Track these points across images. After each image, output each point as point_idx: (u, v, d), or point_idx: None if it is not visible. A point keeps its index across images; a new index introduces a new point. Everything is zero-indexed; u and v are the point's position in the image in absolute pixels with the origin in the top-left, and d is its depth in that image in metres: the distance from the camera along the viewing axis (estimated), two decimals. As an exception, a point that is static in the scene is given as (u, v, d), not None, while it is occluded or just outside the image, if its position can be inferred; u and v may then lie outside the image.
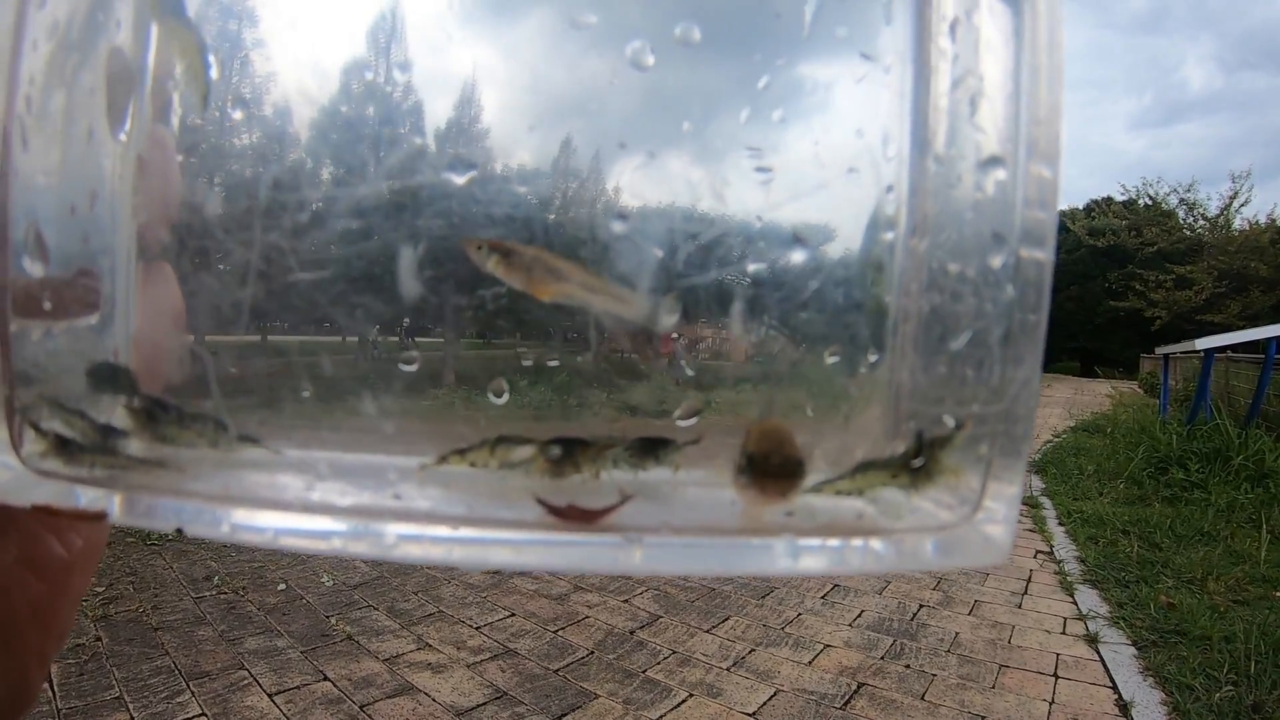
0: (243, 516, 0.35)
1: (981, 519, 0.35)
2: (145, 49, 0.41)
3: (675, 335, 0.40)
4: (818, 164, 0.39)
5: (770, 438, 0.38)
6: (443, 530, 0.34)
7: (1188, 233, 46.43)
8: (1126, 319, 44.94)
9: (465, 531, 0.34)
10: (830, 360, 0.40)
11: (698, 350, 0.41)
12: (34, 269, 0.37)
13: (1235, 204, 45.28)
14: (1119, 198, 51.03)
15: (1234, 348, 12.33)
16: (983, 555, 0.35)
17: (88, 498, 0.36)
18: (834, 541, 0.35)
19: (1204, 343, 11.72)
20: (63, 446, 0.37)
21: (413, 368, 0.39)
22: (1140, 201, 49.15)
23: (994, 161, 0.35)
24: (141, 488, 0.37)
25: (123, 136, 0.40)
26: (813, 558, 0.34)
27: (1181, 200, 48.17)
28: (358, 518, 0.35)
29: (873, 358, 0.40)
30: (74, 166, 0.39)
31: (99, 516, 0.36)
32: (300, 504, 0.37)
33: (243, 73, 0.40)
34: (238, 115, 0.40)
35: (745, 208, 0.38)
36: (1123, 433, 11.53)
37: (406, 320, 0.38)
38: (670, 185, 0.38)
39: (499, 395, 0.39)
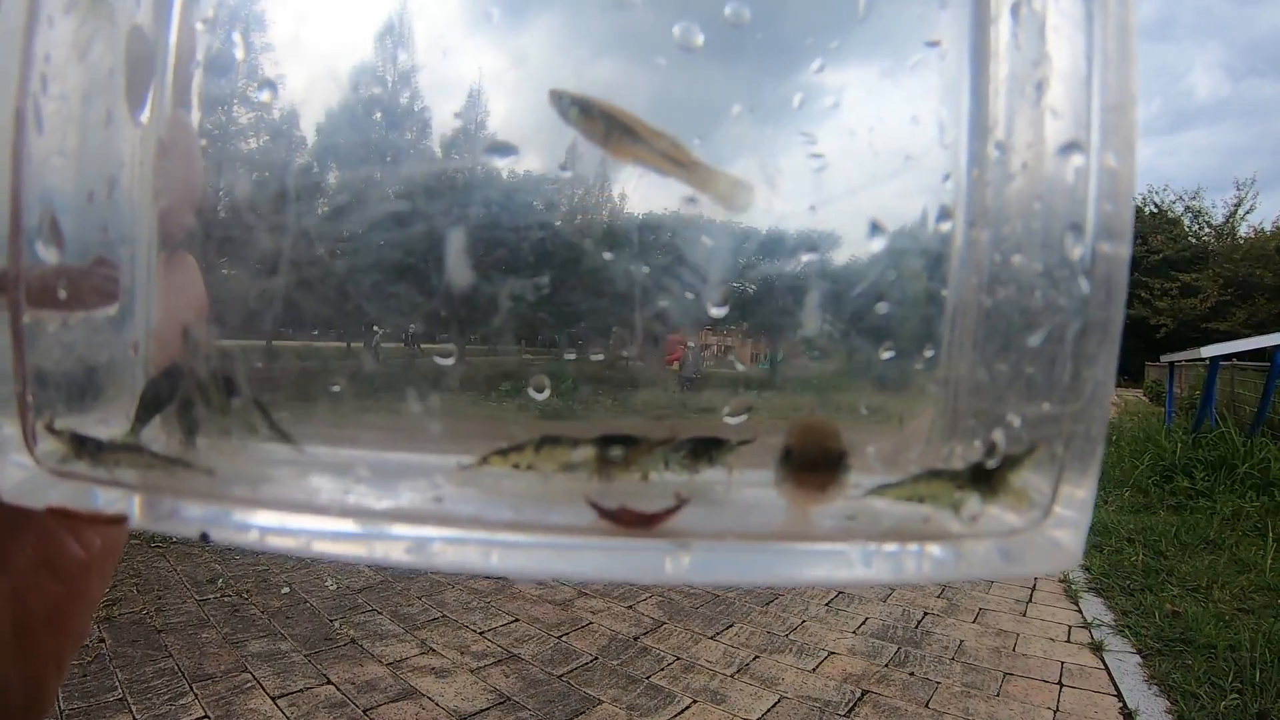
0: (273, 520, 0.34)
1: (1051, 524, 0.34)
2: (167, 28, 0.39)
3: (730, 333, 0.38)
4: (872, 152, 0.37)
5: (811, 431, 0.37)
6: (486, 535, 0.32)
7: (1193, 240, 46.59)
8: (1131, 327, 44.92)
9: (510, 537, 0.32)
10: (886, 358, 0.38)
11: (749, 347, 0.39)
12: (49, 257, 0.35)
13: (1241, 211, 45.50)
14: (1124, 205, 51.03)
15: (1239, 355, 12.33)
16: (1051, 562, 0.34)
17: (106, 499, 0.34)
18: (896, 548, 0.33)
19: (1209, 350, 11.72)
20: (80, 445, 0.35)
21: (449, 361, 0.37)
22: (1146, 209, 49.21)
23: (1067, 149, 0.33)
24: (165, 489, 0.36)
25: (143, 120, 0.39)
26: (877, 564, 0.33)
27: (1187, 208, 48.37)
28: (397, 522, 0.33)
29: (930, 354, 0.39)
30: (92, 151, 0.37)
31: (118, 520, 0.34)
32: (336, 507, 0.35)
33: (269, 55, 0.39)
34: (265, 96, 0.38)
35: (797, 196, 0.37)
36: (1128, 440, 11.49)
37: (442, 312, 0.37)
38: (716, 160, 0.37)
39: (540, 391, 0.37)
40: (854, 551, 0.33)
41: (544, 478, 0.35)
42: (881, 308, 0.38)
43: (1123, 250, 0.32)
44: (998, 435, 0.36)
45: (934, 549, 0.33)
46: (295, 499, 0.36)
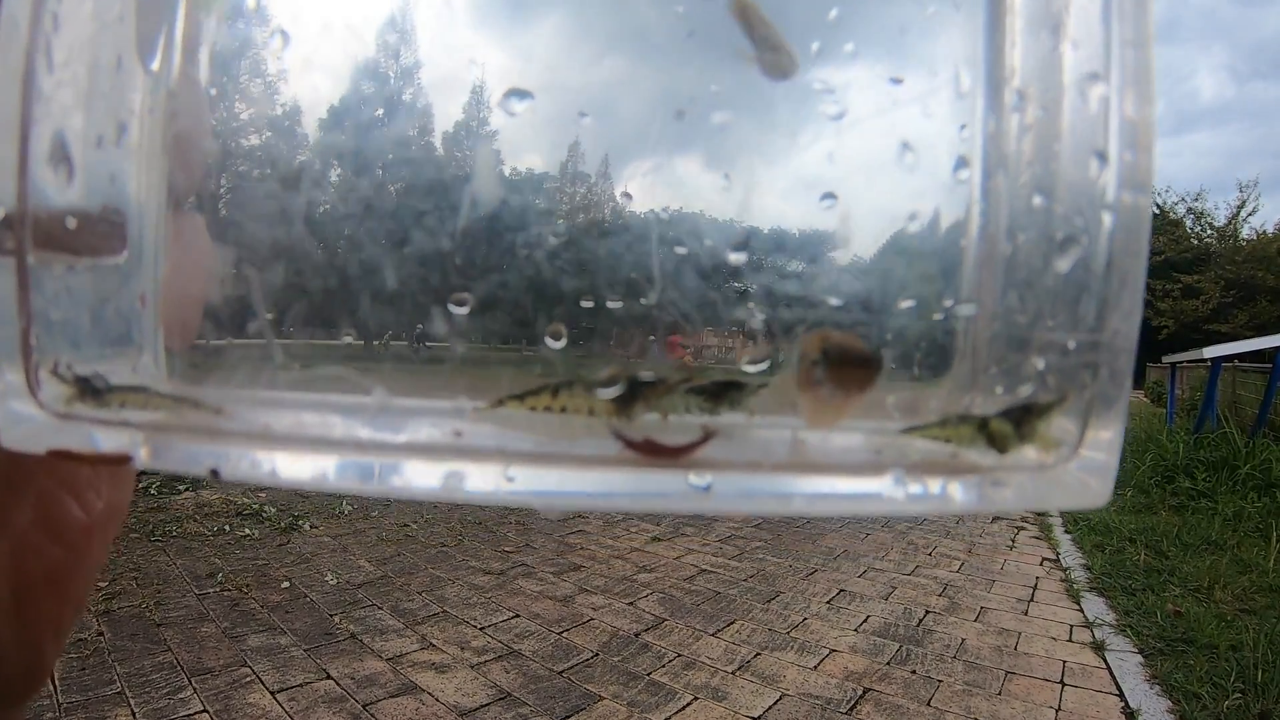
0: (285, 457, 0.33)
1: (1077, 465, 0.33)
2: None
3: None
4: (891, 101, 0.36)
5: (838, 337, 0.37)
6: (513, 469, 0.32)
7: (1195, 242, 46.70)
8: (1132, 328, 44.93)
9: (534, 469, 0.32)
10: (905, 307, 0.37)
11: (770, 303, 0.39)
12: (56, 197, 0.34)
13: (1243, 214, 45.63)
14: (1125, 206, 51.10)
15: (1241, 357, 12.36)
16: (1079, 499, 0.33)
17: (112, 441, 0.34)
18: (924, 483, 0.33)
19: (1211, 351, 11.75)
20: (85, 386, 0.35)
21: (464, 310, 0.36)
22: (1147, 210, 49.26)
23: (1088, 80, 0.33)
24: (173, 429, 0.35)
25: (154, 68, 0.38)
26: (905, 498, 0.32)
27: (1189, 209, 48.47)
28: (416, 455, 0.32)
29: (950, 303, 0.38)
30: (102, 95, 0.37)
31: (122, 460, 0.33)
32: (351, 442, 0.34)
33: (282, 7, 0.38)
34: (277, 45, 0.38)
35: (815, 147, 0.36)
36: (1129, 441, 11.49)
37: (458, 259, 0.36)
38: (739, 115, 0.36)
39: (557, 339, 0.37)
40: (883, 483, 0.32)
41: (563, 418, 0.35)
42: (902, 254, 0.37)
43: (1144, 200, 0.32)
44: (1023, 380, 0.35)
45: (961, 483, 0.33)
46: (309, 435, 0.35)
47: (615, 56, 0.38)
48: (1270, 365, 10.54)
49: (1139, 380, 32.88)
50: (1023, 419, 0.34)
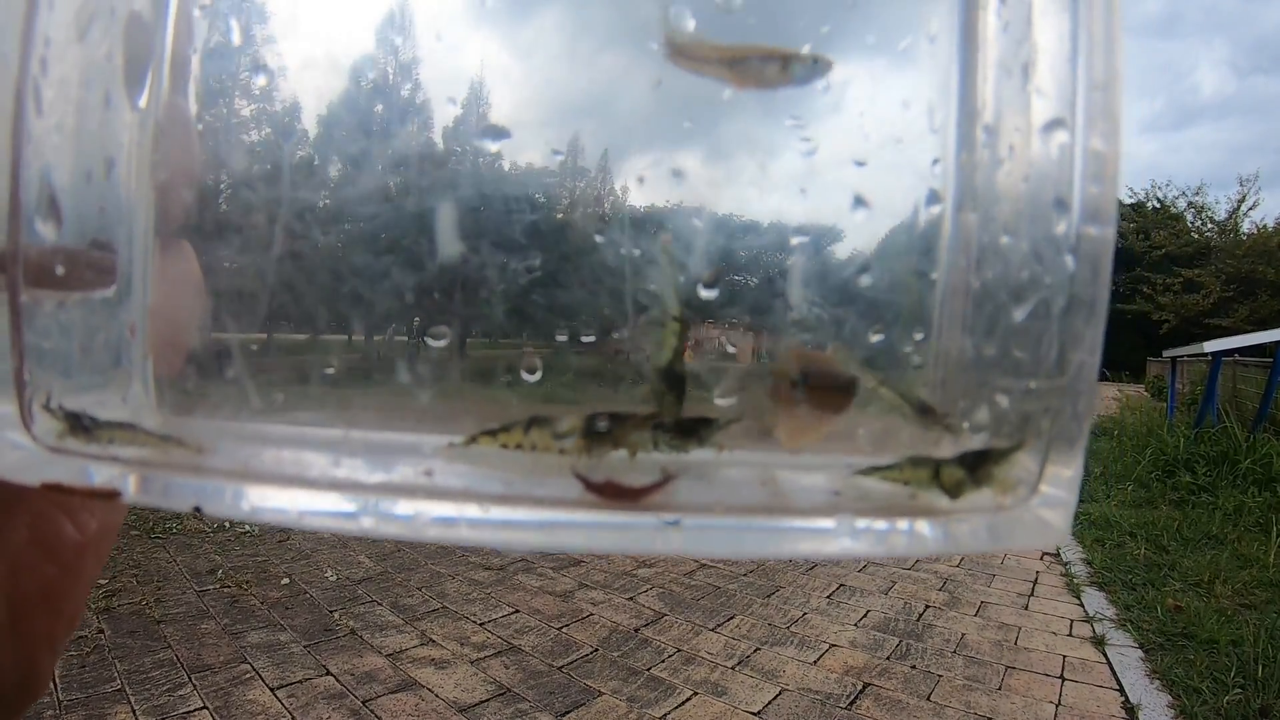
0: (265, 495, 0.34)
1: (1038, 503, 0.34)
2: (164, 14, 0.39)
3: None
4: (862, 136, 0.37)
5: (815, 356, 0.37)
6: (476, 510, 0.33)
7: (1196, 236, 46.51)
8: (1134, 322, 44.82)
9: (500, 511, 0.33)
10: (875, 341, 0.38)
11: (743, 344, 0.39)
12: (48, 236, 0.35)
13: (1243, 208, 45.44)
14: (1127, 200, 50.79)
15: (1241, 351, 12.30)
16: (1038, 539, 0.34)
17: (102, 476, 0.35)
18: (882, 524, 0.33)
19: (1212, 346, 11.71)
20: (75, 422, 0.36)
21: (442, 343, 0.37)
22: (1148, 204, 49.17)
23: (1050, 128, 0.34)
24: (158, 465, 0.36)
25: (141, 104, 0.39)
26: (863, 540, 0.33)
27: (1190, 204, 48.29)
28: (387, 495, 0.33)
29: (919, 337, 0.39)
30: (90, 133, 0.38)
31: (112, 495, 0.34)
32: (326, 481, 0.35)
33: (266, 41, 0.39)
34: (261, 81, 0.38)
35: (787, 180, 0.37)
36: (1130, 436, 11.49)
37: (435, 296, 0.37)
38: (708, 155, 0.37)
39: (532, 372, 0.37)
40: (842, 525, 0.33)
41: (533, 455, 0.36)
42: (870, 292, 0.38)
43: (1108, 232, 0.32)
44: (983, 421, 0.36)
45: (922, 525, 0.34)
46: (287, 474, 0.36)
47: (610, 55, 0.38)
48: (1271, 360, 10.50)
49: (1139, 375, 32.81)
50: (978, 464, 0.34)
